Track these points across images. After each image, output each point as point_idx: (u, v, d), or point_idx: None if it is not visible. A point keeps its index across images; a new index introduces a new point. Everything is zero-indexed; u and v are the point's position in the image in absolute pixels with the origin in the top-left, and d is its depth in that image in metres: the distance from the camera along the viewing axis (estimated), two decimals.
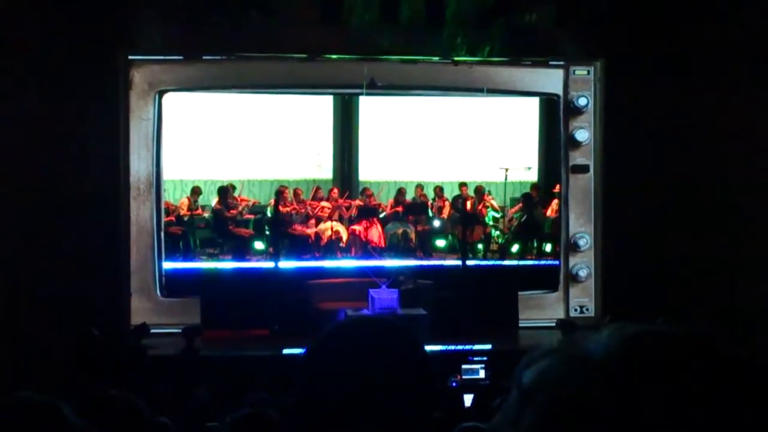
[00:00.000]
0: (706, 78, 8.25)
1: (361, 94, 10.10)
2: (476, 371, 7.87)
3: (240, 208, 10.88)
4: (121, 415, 2.60)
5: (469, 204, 11.39)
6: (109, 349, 7.39)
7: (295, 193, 11.24)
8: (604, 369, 0.71)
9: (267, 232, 10.90)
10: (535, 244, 11.12)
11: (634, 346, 0.73)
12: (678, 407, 0.67)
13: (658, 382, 0.69)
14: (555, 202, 10.76)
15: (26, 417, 1.55)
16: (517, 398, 0.75)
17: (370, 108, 12.43)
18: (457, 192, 11.77)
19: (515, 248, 11.06)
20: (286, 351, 7.69)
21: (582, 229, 9.82)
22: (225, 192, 10.86)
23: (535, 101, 11.55)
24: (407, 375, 1.34)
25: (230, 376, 7.22)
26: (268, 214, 10.95)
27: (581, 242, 9.76)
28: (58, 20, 8.00)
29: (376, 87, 9.55)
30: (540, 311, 9.64)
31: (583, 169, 9.79)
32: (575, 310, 9.75)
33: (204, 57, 9.35)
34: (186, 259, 10.31)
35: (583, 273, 9.75)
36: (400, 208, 11.47)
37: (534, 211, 11.08)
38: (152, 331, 8.24)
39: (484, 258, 11.11)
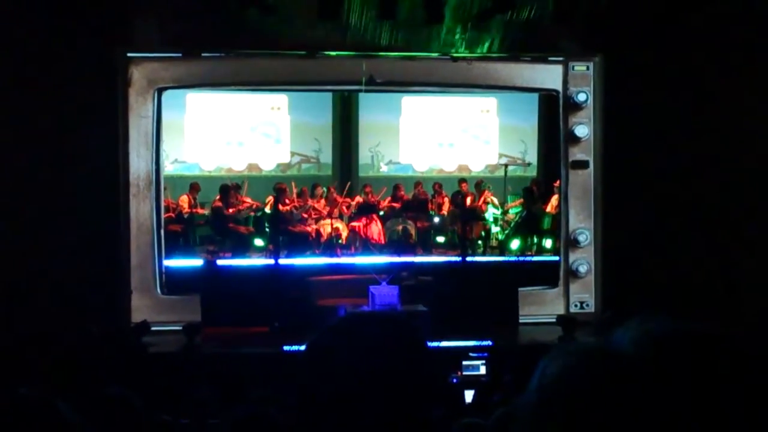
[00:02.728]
0: (706, 73, 8.25)
1: (360, 90, 10.10)
2: (477, 367, 7.87)
3: (240, 208, 10.88)
4: (120, 413, 2.61)
5: (468, 200, 11.40)
6: (110, 347, 7.39)
7: (302, 191, 11.24)
8: (635, 367, 0.70)
9: (267, 230, 10.90)
10: (535, 240, 11.12)
11: (664, 345, 0.72)
12: (710, 404, 0.67)
13: (690, 379, 0.68)
14: (554, 197, 10.76)
15: (22, 414, 1.55)
16: (538, 393, 0.75)
17: (370, 104, 12.43)
18: (456, 188, 11.78)
19: (515, 244, 11.06)
20: (286, 348, 7.70)
21: (582, 225, 9.82)
22: (227, 190, 10.86)
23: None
24: (409, 370, 1.34)
25: (231, 373, 7.22)
26: (268, 211, 10.95)
27: (581, 238, 9.76)
28: (57, 17, 7.99)
29: (375, 83, 9.54)
30: (540, 307, 9.64)
31: (582, 164, 9.79)
32: (575, 305, 9.75)
33: (203, 54, 9.33)
34: (186, 256, 10.31)
35: (583, 269, 9.75)
36: (397, 204, 11.48)
37: (534, 207, 11.08)
38: (153, 328, 8.24)
39: (484, 254, 11.12)
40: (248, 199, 11.19)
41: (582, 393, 0.71)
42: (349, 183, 11.80)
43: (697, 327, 0.74)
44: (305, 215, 10.87)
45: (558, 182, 10.22)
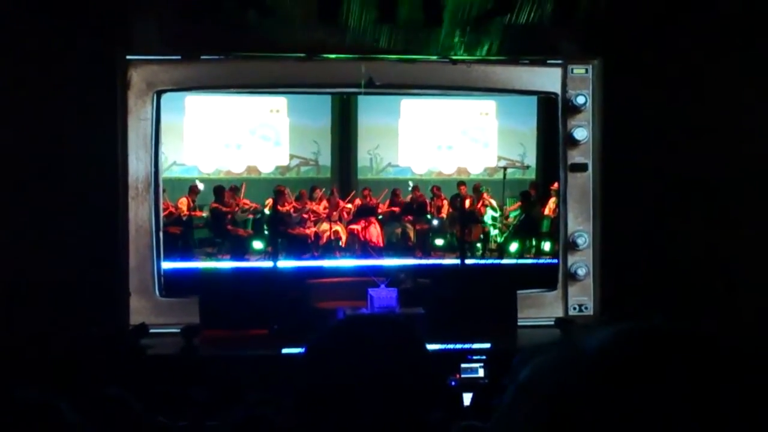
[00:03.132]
0: (705, 76, 8.25)
1: (360, 93, 10.10)
2: (475, 370, 7.87)
3: (236, 209, 10.87)
4: (118, 415, 2.60)
5: (467, 203, 11.40)
6: (108, 349, 7.38)
7: (300, 194, 11.23)
8: (597, 362, 0.72)
9: (266, 232, 10.90)
10: (534, 243, 11.12)
11: (626, 341, 0.74)
12: (665, 400, 0.68)
13: (647, 375, 0.70)
14: (552, 200, 10.76)
15: (24, 416, 1.55)
16: (513, 392, 0.76)
17: (369, 107, 12.43)
18: (455, 191, 11.78)
19: (514, 247, 11.06)
20: (284, 350, 7.69)
21: (580, 228, 9.82)
22: (221, 191, 10.86)
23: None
24: (408, 373, 1.34)
25: (229, 375, 7.22)
26: (267, 212, 10.95)
27: (580, 241, 9.76)
28: (56, 19, 7.98)
29: (374, 86, 9.54)
30: (539, 310, 9.64)
31: (581, 167, 9.79)
32: (574, 308, 9.75)
33: (202, 57, 9.34)
34: (185, 258, 10.31)
35: (581, 271, 9.75)
36: (396, 209, 11.48)
37: (532, 210, 11.09)
38: (151, 331, 8.24)
39: (483, 257, 11.11)
40: (247, 201, 11.18)
41: (553, 393, 0.73)
42: (353, 192, 11.79)
43: (672, 327, 0.75)
44: (305, 216, 10.87)
45: (557, 185, 10.23)
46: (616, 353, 0.73)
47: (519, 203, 11.44)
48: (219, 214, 10.66)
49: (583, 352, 0.75)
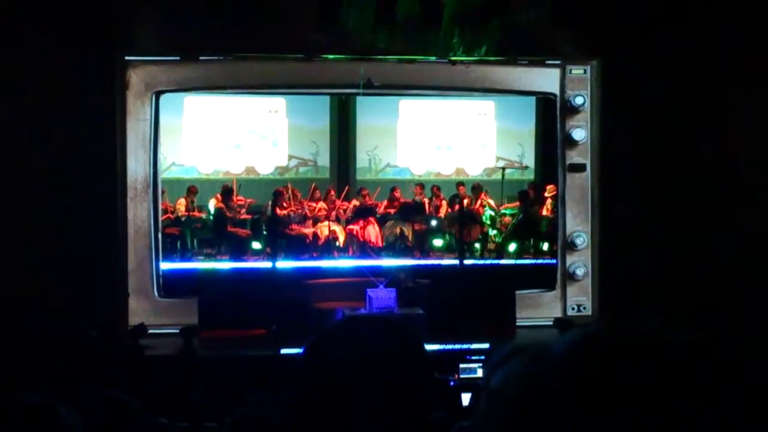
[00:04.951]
0: (703, 76, 8.26)
1: (358, 94, 10.10)
2: (474, 370, 7.87)
3: (238, 210, 10.87)
4: (117, 416, 2.61)
5: (466, 203, 11.40)
6: (107, 350, 7.38)
7: (293, 194, 11.23)
8: (566, 367, 0.73)
9: (264, 232, 10.90)
10: (533, 243, 11.12)
11: (595, 345, 0.75)
12: (626, 403, 0.69)
13: (616, 379, 0.71)
14: (549, 201, 10.77)
15: (23, 418, 1.56)
16: (486, 398, 0.78)
17: (368, 107, 12.43)
18: (454, 191, 11.78)
19: (512, 247, 11.06)
20: (283, 351, 7.70)
21: (579, 228, 9.83)
22: (229, 191, 10.87)
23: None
24: (407, 373, 1.35)
25: (228, 376, 7.22)
26: (268, 213, 10.95)
27: (578, 241, 9.77)
28: (54, 20, 7.99)
29: (373, 87, 9.55)
30: (537, 310, 9.65)
31: (579, 168, 9.80)
32: (572, 308, 9.76)
33: (201, 57, 9.34)
34: (183, 259, 10.30)
35: (580, 272, 9.76)
36: (394, 206, 11.46)
37: (531, 210, 11.09)
38: (150, 331, 8.24)
39: (482, 257, 11.12)
40: (242, 198, 11.15)
41: (525, 399, 0.74)
42: (347, 188, 11.78)
43: (641, 331, 0.76)
44: (306, 209, 10.86)
45: (553, 186, 10.23)
46: (585, 358, 0.74)
47: (517, 202, 11.44)
48: (223, 213, 10.67)
49: (552, 356, 0.76)
